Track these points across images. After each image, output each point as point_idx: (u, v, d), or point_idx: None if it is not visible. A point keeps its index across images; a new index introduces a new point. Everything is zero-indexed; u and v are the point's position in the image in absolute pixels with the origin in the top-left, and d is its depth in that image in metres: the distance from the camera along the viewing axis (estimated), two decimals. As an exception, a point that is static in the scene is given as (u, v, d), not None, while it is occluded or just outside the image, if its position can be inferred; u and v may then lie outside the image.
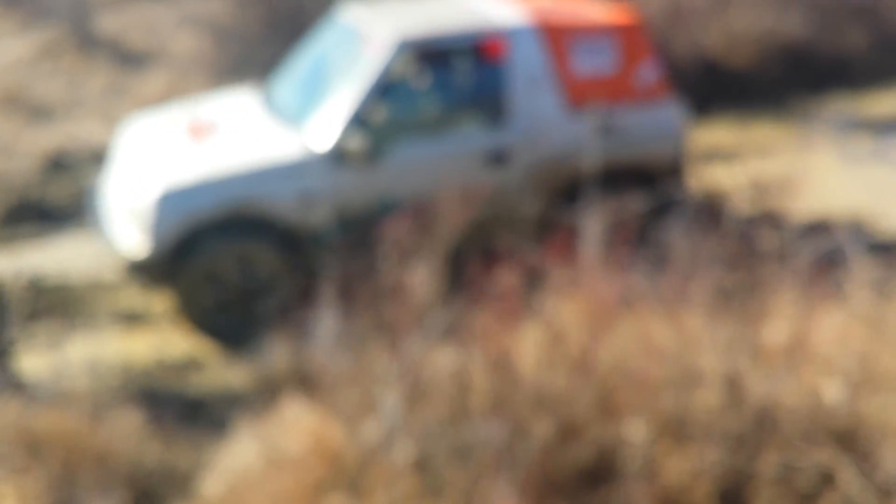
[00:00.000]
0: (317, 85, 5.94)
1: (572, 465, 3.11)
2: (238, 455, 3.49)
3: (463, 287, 3.87)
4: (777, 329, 3.22)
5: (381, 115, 5.51)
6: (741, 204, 6.84)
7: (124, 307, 5.87)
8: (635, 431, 3.09)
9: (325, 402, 3.53)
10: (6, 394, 4.02)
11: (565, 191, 5.70)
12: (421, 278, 3.46)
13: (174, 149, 5.71)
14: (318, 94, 5.82)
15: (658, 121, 5.94)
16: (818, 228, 4.69)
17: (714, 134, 8.27)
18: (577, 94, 5.80)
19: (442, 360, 3.18)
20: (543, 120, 5.74)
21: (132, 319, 5.74)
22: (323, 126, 5.48)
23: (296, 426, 3.45)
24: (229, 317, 5.42)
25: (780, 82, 9.41)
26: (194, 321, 5.43)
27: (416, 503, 2.96)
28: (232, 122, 5.93)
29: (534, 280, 3.84)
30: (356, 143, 5.36)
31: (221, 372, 5.08)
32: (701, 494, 3.01)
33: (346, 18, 6.14)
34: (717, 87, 8.23)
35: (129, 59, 11.37)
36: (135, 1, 13.38)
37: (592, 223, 4.14)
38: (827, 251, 4.04)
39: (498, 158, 5.68)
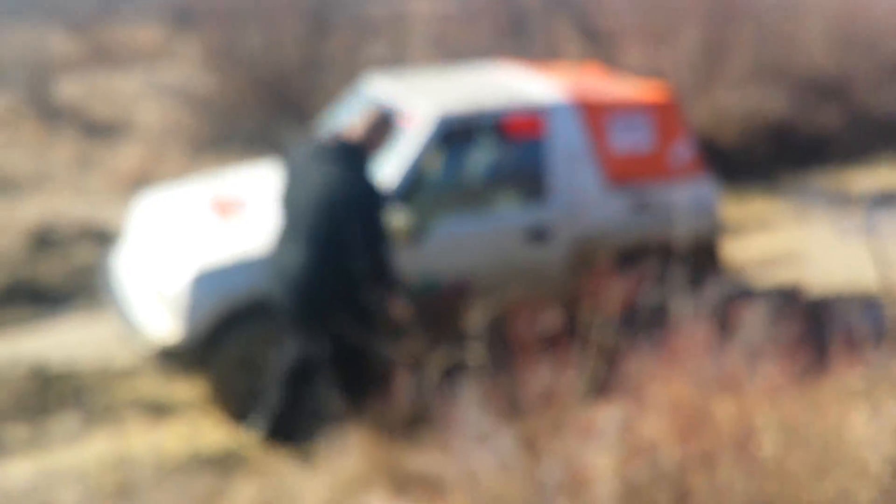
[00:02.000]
0: (350, 160, 5.69)
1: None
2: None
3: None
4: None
5: (421, 191, 5.30)
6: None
7: (145, 396, 5.43)
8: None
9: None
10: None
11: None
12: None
13: (201, 227, 5.36)
14: (353, 169, 5.58)
15: (694, 197, 5.86)
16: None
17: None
18: (616, 171, 5.69)
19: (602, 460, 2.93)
20: (583, 196, 5.60)
21: (156, 409, 5.31)
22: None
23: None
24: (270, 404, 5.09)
25: (765, 158, 9.56)
26: (231, 409, 5.06)
27: None
28: (261, 198, 5.63)
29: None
30: (399, 220, 5.11)
31: (272, 466, 4.68)
32: None
33: (375, 91, 5.94)
34: (708, 163, 8.31)
35: (94, 129, 10.94)
36: (94, 68, 12.98)
37: (684, 305, 3.94)
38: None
39: (539, 235, 5.51)
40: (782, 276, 6.93)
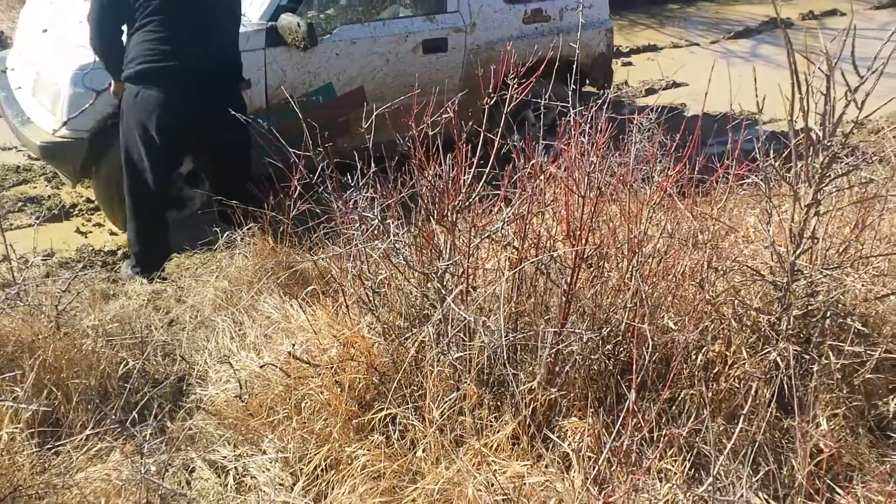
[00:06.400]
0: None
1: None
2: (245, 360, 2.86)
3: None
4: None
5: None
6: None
7: (33, 198, 4.93)
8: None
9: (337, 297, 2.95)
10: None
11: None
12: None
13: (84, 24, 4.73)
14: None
15: (590, 15, 5.49)
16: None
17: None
18: (514, -16, 5.25)
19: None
20: (482, 8, 5.15)
21: (45, 209, 4.83)
22: (255, 4, 4.66)
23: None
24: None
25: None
26: (116, 208, 4.58)
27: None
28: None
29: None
30: (290, 23, 4.56)
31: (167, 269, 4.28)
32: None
33: None
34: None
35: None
36: None
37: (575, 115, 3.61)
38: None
39: (436, 47, 5.07)
40: (668, 97, 6.70)
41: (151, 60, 3.89)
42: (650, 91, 6.94)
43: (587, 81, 5.72)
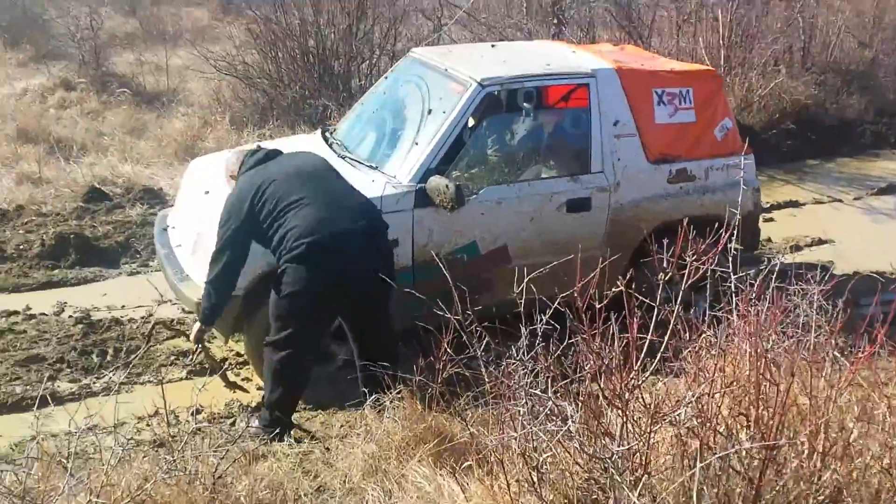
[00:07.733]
0: (394, 126, 5.22)
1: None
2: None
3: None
4: None
5: (464, 157, 4.84)
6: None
7: (186, 350, 5.03)
8: None
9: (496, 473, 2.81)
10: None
11: (648, 240, 5.07)
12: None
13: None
14: (397, 135, 5.10)
15: (736, 173, 5.36)
16: None
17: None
18: (659, 144, 5.19)
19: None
20: (626, 168, 5.11)
21: (196, 365, 4.91)
22: (405, 168, 4.75)
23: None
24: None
25: (793, 143, 9.02)
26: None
27: None
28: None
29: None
30: (439, 185, 4.62)
31: (307, 425, 4.25)
32: None
33: (422, 60, 5.45)
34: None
35: (144, 98, 10.53)
36: (146, 42, 12.55)
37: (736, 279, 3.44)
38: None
39: (580, 206, 5.02)
40: (814, 255, 6.45)
41: (311, 235, 3.97)
42: (795, 248, 6.70)
43: (740, 242, 5.55)
